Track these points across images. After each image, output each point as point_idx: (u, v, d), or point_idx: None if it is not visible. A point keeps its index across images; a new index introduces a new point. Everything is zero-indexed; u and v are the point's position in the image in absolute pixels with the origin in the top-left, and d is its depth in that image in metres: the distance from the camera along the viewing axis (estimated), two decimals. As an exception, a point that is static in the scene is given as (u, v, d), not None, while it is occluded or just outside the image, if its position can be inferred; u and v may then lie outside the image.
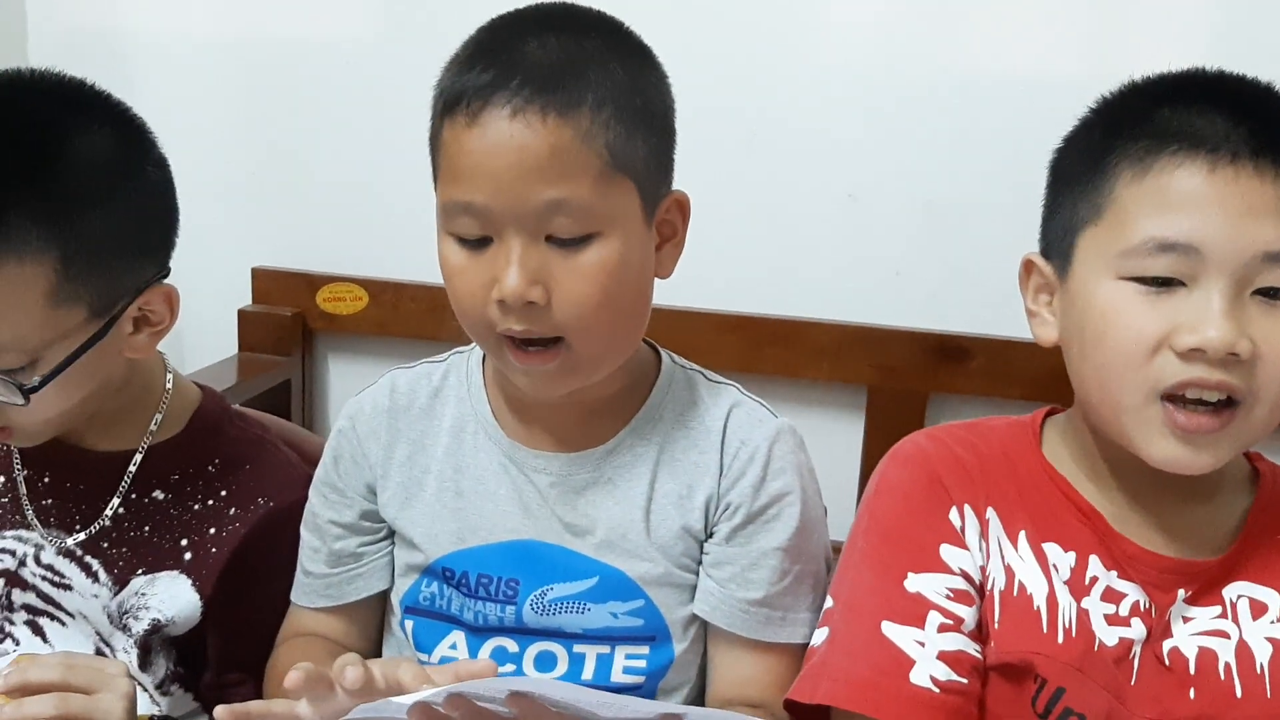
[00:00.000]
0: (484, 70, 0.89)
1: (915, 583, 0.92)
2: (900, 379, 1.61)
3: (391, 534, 1.06)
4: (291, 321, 1.75)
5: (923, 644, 0.89)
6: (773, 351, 1.64)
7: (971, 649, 0.90)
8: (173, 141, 1.07)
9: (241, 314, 1.75)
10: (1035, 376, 1.55)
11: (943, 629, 0.90)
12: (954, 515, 0.94)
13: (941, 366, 1.60)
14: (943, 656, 0.89)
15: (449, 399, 1.06)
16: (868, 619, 0.91)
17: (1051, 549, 0.93)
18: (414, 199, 1.76)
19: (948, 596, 0.91)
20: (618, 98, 0.90)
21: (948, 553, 0.93)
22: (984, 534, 0.94)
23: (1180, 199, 0.85)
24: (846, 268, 1.64)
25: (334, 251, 1.77)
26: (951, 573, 0.92)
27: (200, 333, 1.73)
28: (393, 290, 1.74)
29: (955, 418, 1.65)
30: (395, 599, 1.05)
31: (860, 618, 0.92)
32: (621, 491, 1.00)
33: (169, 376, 1.09)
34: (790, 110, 1.60)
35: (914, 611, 0.91)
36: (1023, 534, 0.94)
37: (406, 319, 1.73)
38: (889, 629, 0.90)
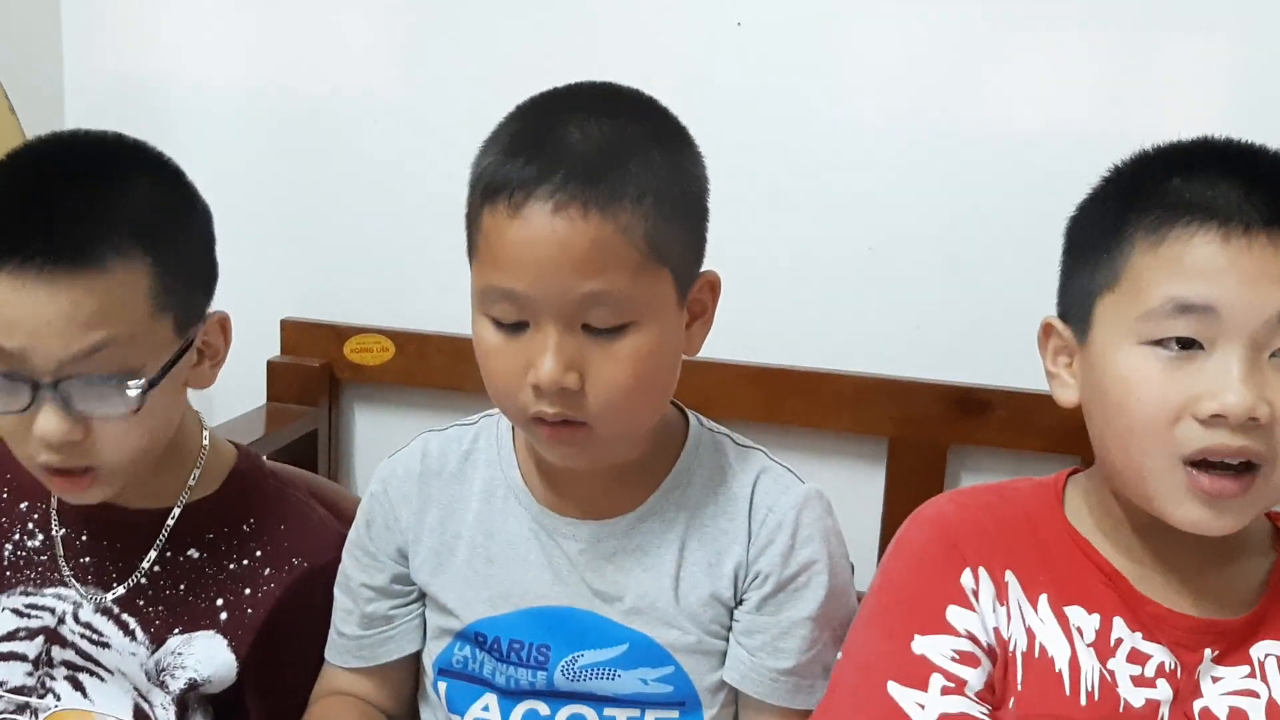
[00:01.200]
0: (528, 162, 0.90)
1: (921, 644, 0.93)
2: (921, 431, 1.62)
3: (423, 596, 1.07)
4: (319, 372, 1.77)
5: (923, 706, 0.90)
6: (794, 402, 1.65)
7: (976, 711, 0.91)
8: (204, 194, 1.09)
9: (270, 365, 1.78)
10: (1056, 429, 1.56)
11: (945, 691, 0.91)
12: (966, 577, 0.95)
13: (962, 419, 1.61)
14: (943, 719, 0.90)
15: (479, 463, 1.07)
16: (875, 678, 0.92)
17: (1074, 612, 0.94)
18: (440, 251, 1.78)
19: (952, 659, 0.92)
20: (658, 188, 0.91)
21: (954, 615, 0.94)
22: (1001, 596, 0.95)
23: (1196, 266, 0.86)
24: (867, 320, 1.66)
25: (361, 303, 1.80)
26: (957, 635, 0.93)
27: (229, 383, 1.74)
28: (418, 341, 1.76)
29: (976, 470, 1.67)
30: (428, 661, 1.06)
31: (868, 677, 0.93)
32: (651, 559, 1.01)
33: (205, 434, 1.11)
34: (812, 165, 1.62)
35: (918, 673, 0.92)
36: (1043, 598, 0.94)
37: (432, 369, 1.75)
38: (894, 690, 0.91)
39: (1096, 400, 0.93)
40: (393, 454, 1.10)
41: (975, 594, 0.94)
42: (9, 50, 1.72)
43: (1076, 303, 0.96)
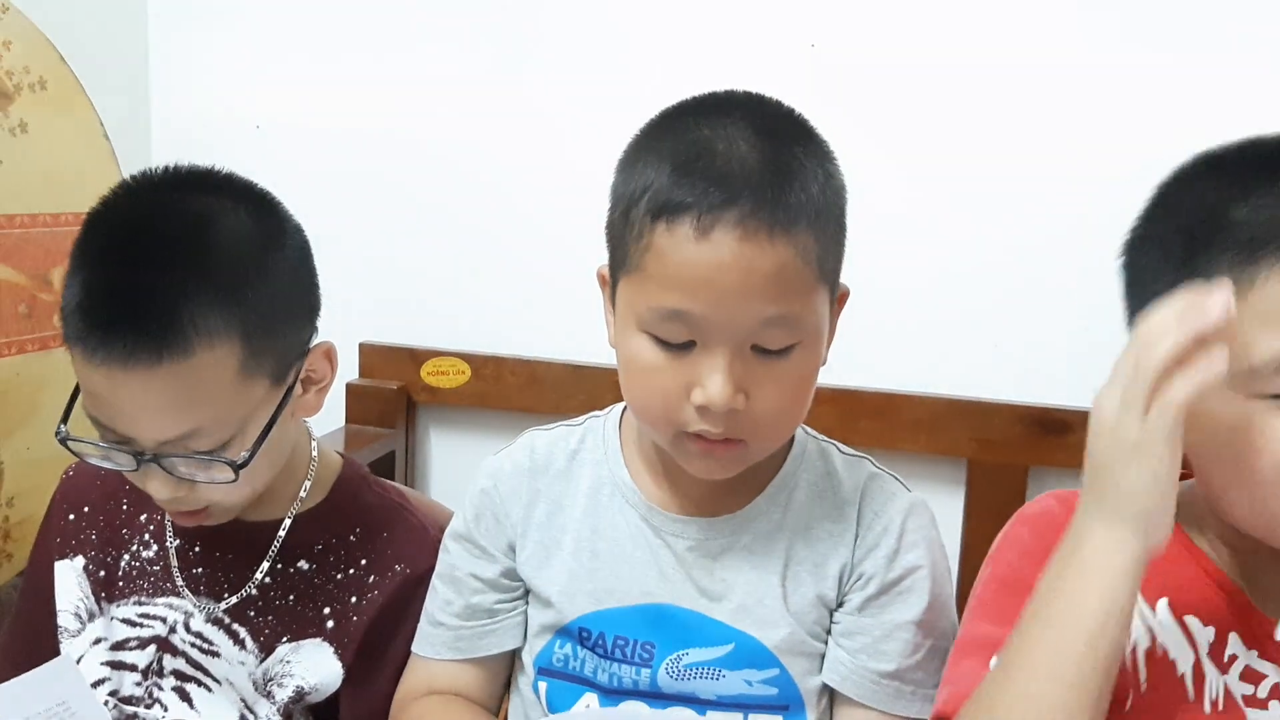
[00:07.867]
0: (711, 184, 0.88)
1: None
2: (1000, 452, 1.62)
3: (527, 594, 1.07)
4: (396, 395, 1.79)
5: None
6: (869, 424, 1.65)
7: None
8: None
9: (349, 387, 1.80)
10: (1139, 450, 1.54)
11: None
12: None
13: (1041, 440, 1.60)
14: None
15: (586, 462, 1.08)
16: (986, 660, 0.89)
17: (1192, 621, 0.91)
18: (514, 276, 1.81)
19: None
20: (822, 208, 0.90)
21: None
22: None
23: None
24: (945, 340, 1.66)
25: (438, 327, 1.82)
26: None
27: (309, 406, 1.79)
28: (494, 364, 1.78)
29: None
30: (528, 658, 1.06)
31: (979, 656, 0.91)
32: (758, 558, 1.01)
33: (314, 445, 1.13)
34: (888, 187, 1.63)
35: None
36: (1163, 602, 0.92)
37: (507, 392, 1.78)
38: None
39: (1208, 449, 0.86)
40: (498, 451, 1.11)
41: None
42: (102, 82, 1.77)
43: None
